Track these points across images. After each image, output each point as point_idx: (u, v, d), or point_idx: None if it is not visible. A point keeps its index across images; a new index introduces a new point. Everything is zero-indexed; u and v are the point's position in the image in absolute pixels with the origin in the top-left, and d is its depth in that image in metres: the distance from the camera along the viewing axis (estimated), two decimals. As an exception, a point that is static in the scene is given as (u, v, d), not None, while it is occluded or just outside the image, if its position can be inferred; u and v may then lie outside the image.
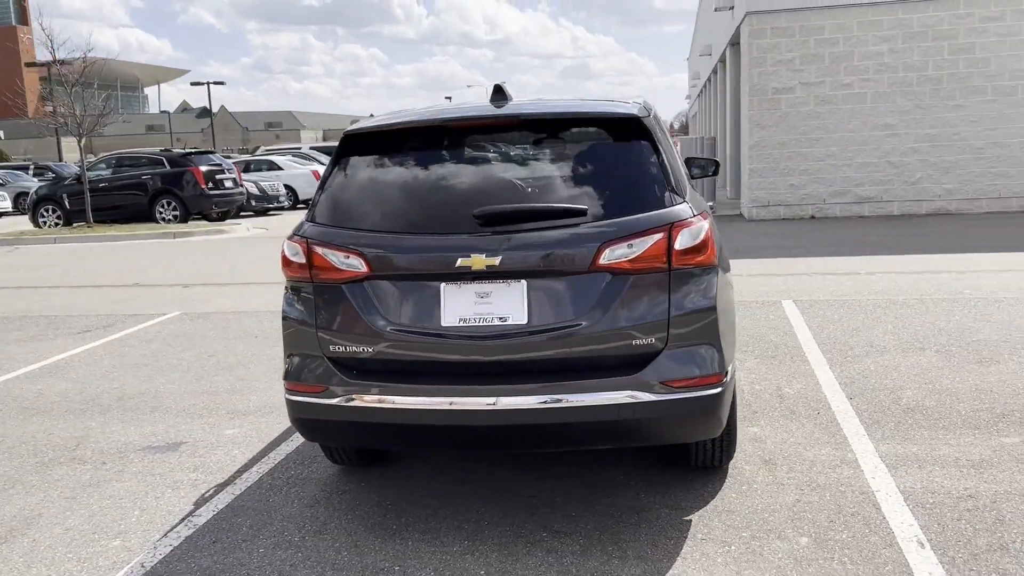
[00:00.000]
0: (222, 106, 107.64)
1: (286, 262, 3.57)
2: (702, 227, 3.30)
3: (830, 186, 14.59)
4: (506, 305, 3.28)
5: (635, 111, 3.50)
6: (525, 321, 3.26)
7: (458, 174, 3.52)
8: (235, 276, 11.53)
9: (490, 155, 3.56)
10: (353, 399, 3.41)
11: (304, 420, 3.60)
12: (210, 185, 19.93)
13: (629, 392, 3.22)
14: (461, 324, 3.30)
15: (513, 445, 3.51)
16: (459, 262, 3.24)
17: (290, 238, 3.57)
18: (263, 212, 23.49)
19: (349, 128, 3.67)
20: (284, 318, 3.60)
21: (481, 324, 3.28)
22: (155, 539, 3.70)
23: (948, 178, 14.37)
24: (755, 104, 14.53)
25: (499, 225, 3.27)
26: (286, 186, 24.41)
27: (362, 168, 3.60)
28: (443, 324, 3.31)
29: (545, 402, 3.23)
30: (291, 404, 3.60)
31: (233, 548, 3.57)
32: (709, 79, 27.22)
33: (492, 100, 3.81)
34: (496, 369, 3.29)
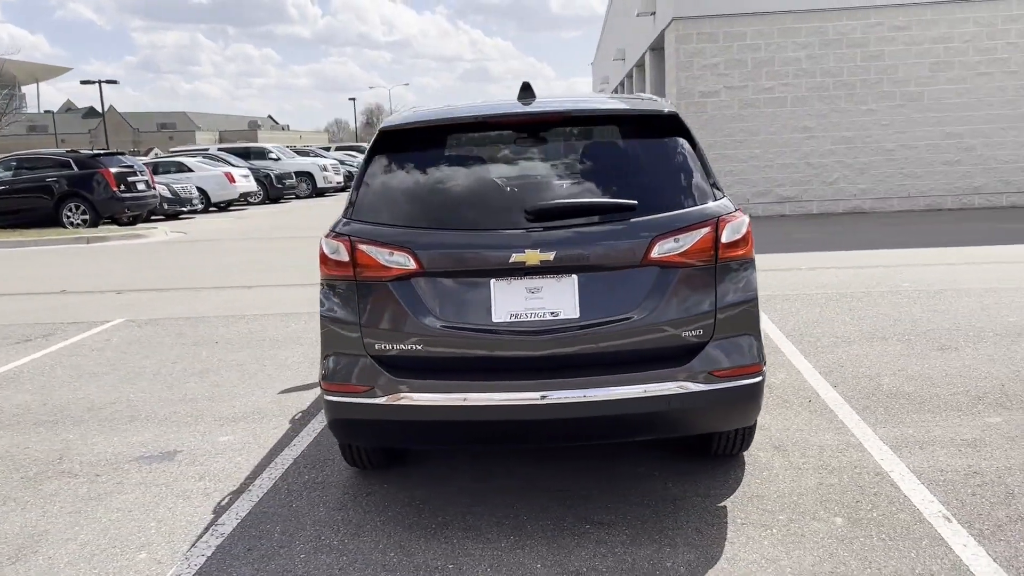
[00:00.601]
0: (111, 106, 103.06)
1: (325, 260, 3.50)
2: (744, 221, 3.43)
3: (754, 187, 15.15)
4: (557, 300, 3.31)
5: (673, 109, 3.59)
6: (577, 315, 3.30)
7: (503, 170, 3.54)
8: (171, 281, 11.10)
9: (534, 151, 3.59)
10: (402, 398, 3.38)
11: (345, 421, 3.54)
12: (122, 187, 19.09)
13: (679, 383, 3.31)
14: (512, 320, 3.32)
15: (564, 438, 3.55)
16: (513, 257, 3.26)
17: (330, 236, 3.51)
18: (175, 215, 22.67)
19: (385, 124, 3.63)
20: (323, 318, 3.53)
21: (533, 319, 3.31)
22: (184, 550, 3.57)
23: (862, 178, 15.14)
24: (682, 107, 14.93)
25: (551, 220, 3.30)
26: (198, 188, 23.64)
27: (402, 164, 3.57)
28: (494, 320, 3.32)
29: (597, 395, 3.28)
30: (331, 405, 3.53)
31: (271, 555, 3.48)
32: (623, 83, 27.80)
33: (520, 98, 3.84)
34: (547, 364, 3.33)
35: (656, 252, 3.29)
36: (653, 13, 17.39)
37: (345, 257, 3.43)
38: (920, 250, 10.74)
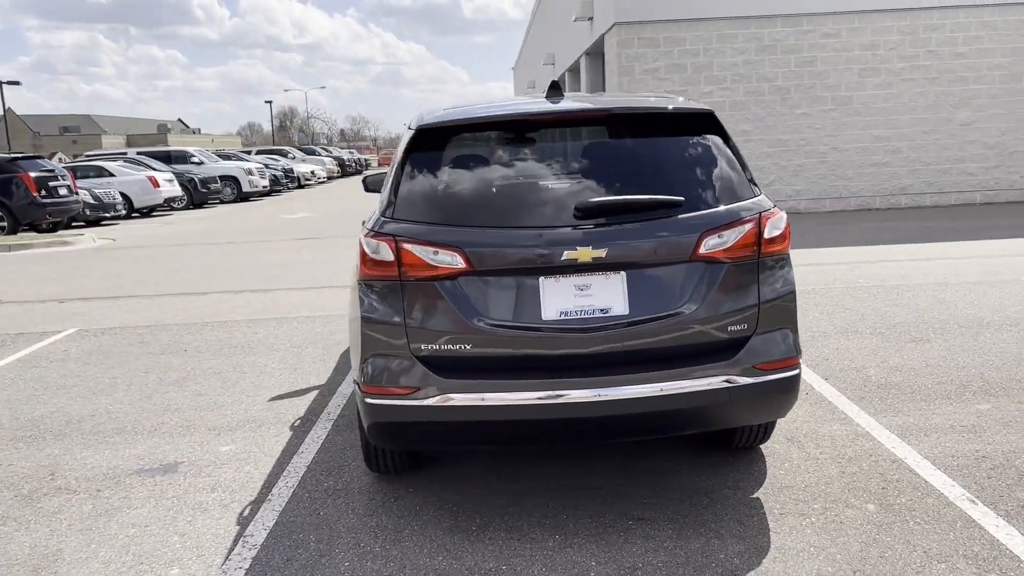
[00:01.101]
0: (8, 108, 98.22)
1: (366, 260, 3.42)
2: (782, 217, 3.50)
3: (695, 188, 15.48)
4: (606, 297, 3.32)
5: (707, 107, 3.65)
6: (627, 312, 3.32)
7: (546, 167, 3.53)
8: (114, 289, 10.65)
9: (576, 148, 3.58)
10: (451, 399, 3.33)
11: (388, 424, 3.46)
12: (42, 193, 18.22)
13: (726, 377, 3.36)
14: (562, 317, 3.31)
15: (614, 435, 3.56)
16: (565, 255, 3.25)
17: (371, 235, 3.43)
18: (97, 222, 21.75)
19: (424, 122, 3.57)
20: (363, 320, 3.45)
21: (582, 316, 3.31)
22: (218, 563, 3.43)
23: (797, 180, 15.65)
24: (625, 110, 15.17)
25: (599, 217, 3.31)
26: (121, 193, 22.75)
27: (443, 162, 3.52)
28: (543, 318, 3.31)
29: (649, 391, 3.30)
30: (372, 409, 3.45)
31: (314, 564, 3.38)
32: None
33: (548, 96, 3.85)
34: (597, 361, 3.33)
35: (703, 248, 3.33)
36: (591, 18, 17.61)
37: (390, 257, 3.36)
38: (864, 248, 11.17)
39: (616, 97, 3.95)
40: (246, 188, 29.95)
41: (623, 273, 3.33)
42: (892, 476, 3.92)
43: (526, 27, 42.93)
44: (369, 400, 3.46)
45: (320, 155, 51.45)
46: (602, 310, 3.32)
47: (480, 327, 3.31)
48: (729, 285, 3.38)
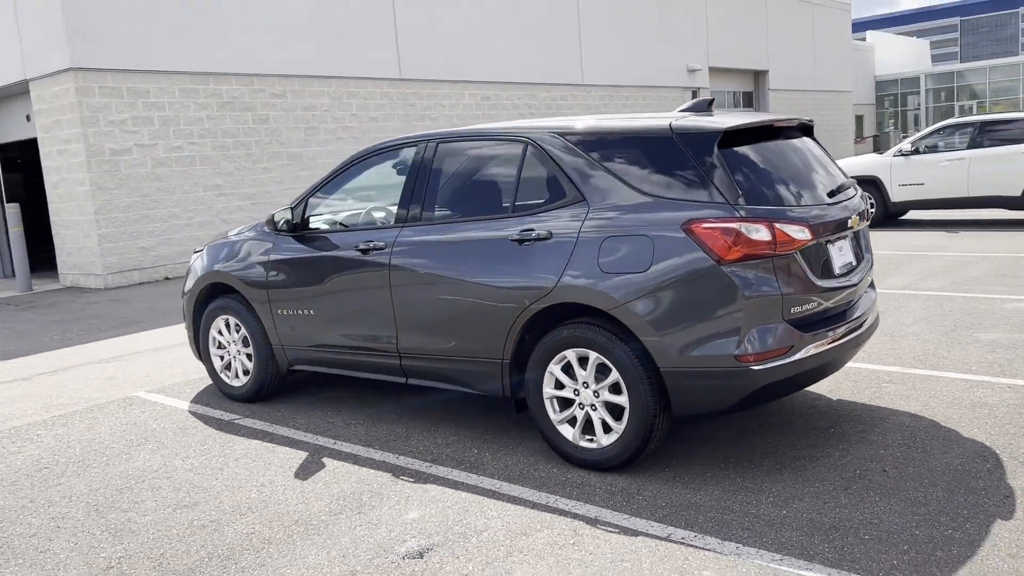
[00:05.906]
0: None
1: (743, 241, 3.80)
2: None
3: (178, 246, 14.65)
4: (849, 255, 4.46)
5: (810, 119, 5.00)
6: (857, 264, 4.52)
7: (796, 158, 4.40)
8: None
9: (791, 144, 4.50)
10: (810, 350, 4.02)
11: (769, 386, 3.91)
12: None
13: (873, 304, 4.85)
14: (841, 272, 4.33)
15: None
16: (849, 222, 4.31)
17: (740, 220, 3.81)
18: None
19: (728, 125, 4.04)
20: (744, 296, 3.81)
21: (847, 272, 4.39)
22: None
23: (269, 232, 16.15)
24: (94, 165, 13.50)
25: (838, 193, 4.44)
26: None
27: (752, 156, 4.10)
28: (835, 274, 4.28)
29: (877, 317, 4.60)
30: (757, 374, 3.84)
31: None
32: None
33: (703, 111, 4.72)
34: (854, 300, 4.46)
35: (868, 215, 4.75)
36: (-17, 61, 14.90)
37: (767, 236, 3.84)
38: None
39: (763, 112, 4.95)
40: None
41: (849, 236, 4.51)
42: (885, 377, 5.82)
43: None
44: (755, 367, 3.85)
45: None
46: (850, 264, 4.44)
47: (817, 286, 4.09)
48: (867, 240, 4.86)
